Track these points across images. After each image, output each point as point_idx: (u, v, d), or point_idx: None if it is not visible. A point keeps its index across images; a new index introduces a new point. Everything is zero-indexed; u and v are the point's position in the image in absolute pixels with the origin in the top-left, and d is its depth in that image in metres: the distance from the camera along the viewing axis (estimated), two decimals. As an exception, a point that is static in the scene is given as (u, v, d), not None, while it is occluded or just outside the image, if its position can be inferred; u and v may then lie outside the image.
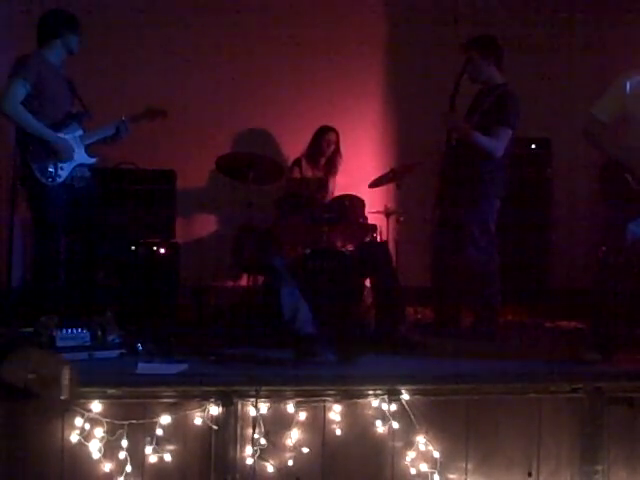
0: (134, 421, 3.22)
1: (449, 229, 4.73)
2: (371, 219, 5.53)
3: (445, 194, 4.74)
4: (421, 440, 3.38)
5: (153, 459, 3.24)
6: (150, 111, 4.74)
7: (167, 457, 3.25)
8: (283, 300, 4.16)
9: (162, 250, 5.17)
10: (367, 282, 4.95)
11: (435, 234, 4.90)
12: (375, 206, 5.76)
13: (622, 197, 3.94)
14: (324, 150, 5.97)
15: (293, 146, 6.13)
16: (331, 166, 6.03)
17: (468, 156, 4.56)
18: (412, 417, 3.36)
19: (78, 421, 3.18)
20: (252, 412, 3.29)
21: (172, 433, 3.26)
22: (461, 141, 4.63)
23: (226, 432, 3.30)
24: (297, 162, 5.97)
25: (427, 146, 5.46)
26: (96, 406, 3.20)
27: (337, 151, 6.02)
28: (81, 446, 3.19)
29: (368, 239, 5.22)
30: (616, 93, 4.03)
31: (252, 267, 5.15)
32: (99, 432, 3.18)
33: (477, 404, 3.47)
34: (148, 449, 3.23)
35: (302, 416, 3.33)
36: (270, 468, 3.31)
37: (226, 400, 3.27)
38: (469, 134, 4.53)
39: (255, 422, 3.28)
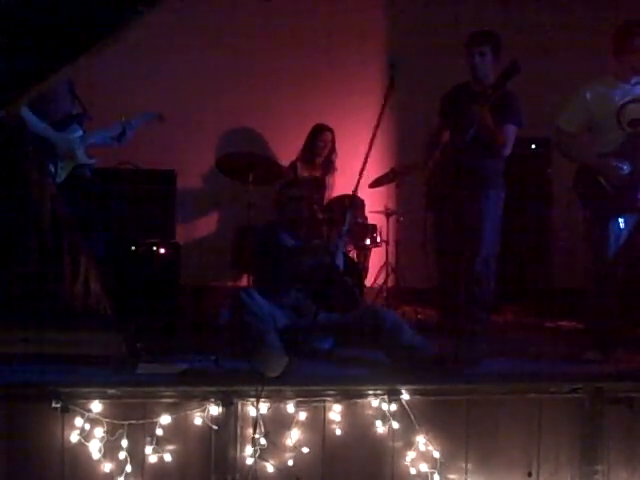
0: (134, 421, 3.22)
1: (455, 229, 4.50)
2: (371, 219, 5.54)
3: (450, 192, 4.56)
4: (421, 440, 3.37)
5: (153, 459, 3.24)
6: (148, 114, 4.76)
7: (167, 457, 3.25)
8: (249, 330, 3.72)
9: (162, 250, 5.15)
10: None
11: (438, 236, 4.73)
12: (375, 206, 5.77)
13: (598, 199, 3.99)
14: (320, 150, 5.95)
15: (293, 146, 6.13)
16: (328, 165, 6.03)
17: (482, 151, 4.40)
18: (412, 417, 3.36)
19: (78, 421, 3.18)
20: (252, 412, 3.29)
21: (172, 433, 3.26)
22: (476, 137, 4.46)
23: (226, 432, 3.30)
24: (291, 166, 5.93)
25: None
26: (96, 406, 3.20)
27: (333, 150, 6.01)
28: (81, 446, 3.19)
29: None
30: (579, 103, 4.15)
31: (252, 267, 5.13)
32: (99, 432, 3.19)
33: (477, 404, 3.47)
34: (148, 449, 3.24)
35: (302, 416, 3.33)
36: (270, 468, 3.30)
37: (226, 400, 3.27)
38: (494, 131, 4.34)
39: (255, 422, 3.27)
